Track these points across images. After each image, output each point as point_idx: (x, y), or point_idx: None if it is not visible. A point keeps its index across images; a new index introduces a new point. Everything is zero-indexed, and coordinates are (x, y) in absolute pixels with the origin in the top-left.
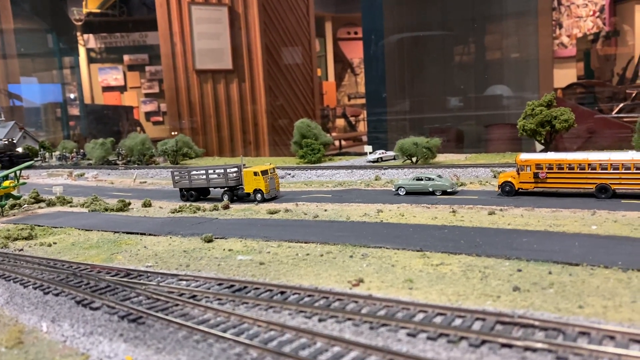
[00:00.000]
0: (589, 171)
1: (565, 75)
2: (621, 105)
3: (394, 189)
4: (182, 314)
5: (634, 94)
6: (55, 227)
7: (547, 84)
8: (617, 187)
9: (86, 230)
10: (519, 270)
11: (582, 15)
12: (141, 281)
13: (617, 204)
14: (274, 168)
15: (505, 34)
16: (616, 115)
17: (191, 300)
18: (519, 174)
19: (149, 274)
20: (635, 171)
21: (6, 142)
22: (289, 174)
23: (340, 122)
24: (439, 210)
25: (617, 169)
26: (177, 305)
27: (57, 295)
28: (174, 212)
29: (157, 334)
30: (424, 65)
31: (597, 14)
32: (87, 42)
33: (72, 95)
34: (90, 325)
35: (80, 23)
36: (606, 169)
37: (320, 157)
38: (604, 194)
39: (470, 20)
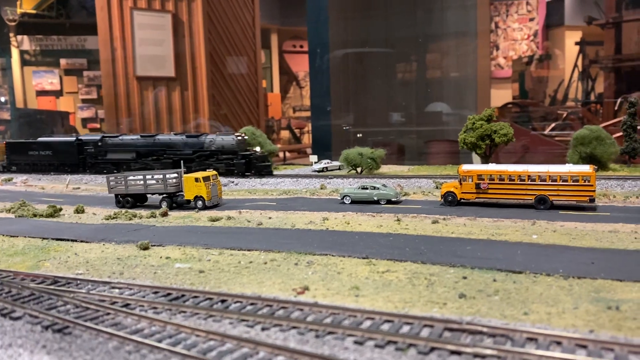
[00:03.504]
0: (529, 183)
1: (502, 95)
2: (553, 124)
3: (339, 198)
4: (114, 323)
5: (564, 115)
6: None
7: (485, 102)
8: (555, 199)
9: (11, 236)
10: (464, 278)
11: (517, 39)
12: (70, 289)
13: (556, 215)
14: (216, 174)
15: (446, 54)
16: (549, 133)
17: (124, 309)
18: (461, 184)
19: (78, 282)
20: (572, 183)
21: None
22: (232, 182)
23: (285, 134)
24: (384, 218)
25: (555, 181)
26: (108, 314)
27: None
28: (108, 219)
29: (85, 344)
30: (367, 81)
31: (532, 37)
32: (20, 43)
33: (2, 99)
34: (10, 337)
35: (13, 23)
36: (545, 181)
37: None
38: (543, 205)
39: (412, 39)
